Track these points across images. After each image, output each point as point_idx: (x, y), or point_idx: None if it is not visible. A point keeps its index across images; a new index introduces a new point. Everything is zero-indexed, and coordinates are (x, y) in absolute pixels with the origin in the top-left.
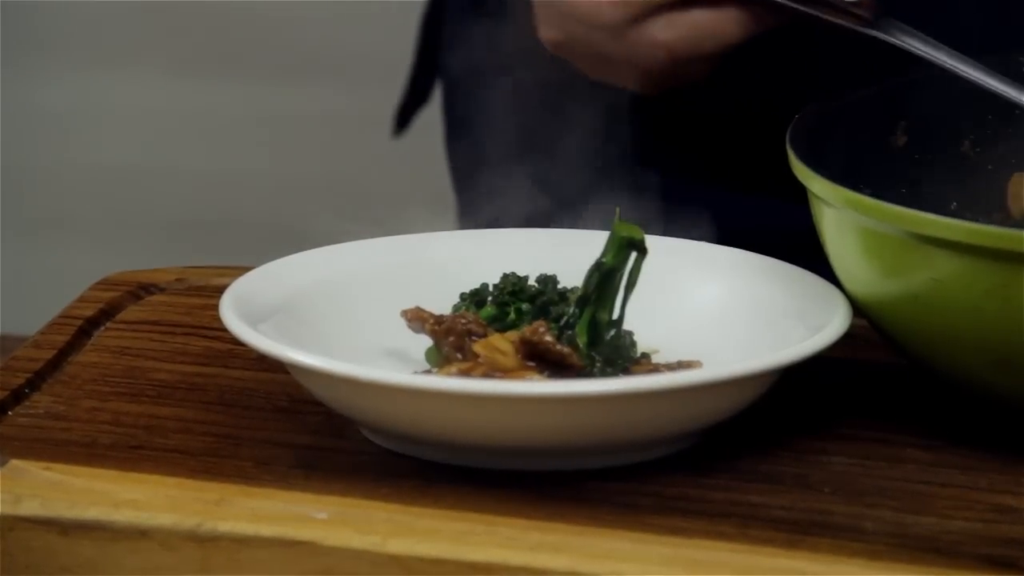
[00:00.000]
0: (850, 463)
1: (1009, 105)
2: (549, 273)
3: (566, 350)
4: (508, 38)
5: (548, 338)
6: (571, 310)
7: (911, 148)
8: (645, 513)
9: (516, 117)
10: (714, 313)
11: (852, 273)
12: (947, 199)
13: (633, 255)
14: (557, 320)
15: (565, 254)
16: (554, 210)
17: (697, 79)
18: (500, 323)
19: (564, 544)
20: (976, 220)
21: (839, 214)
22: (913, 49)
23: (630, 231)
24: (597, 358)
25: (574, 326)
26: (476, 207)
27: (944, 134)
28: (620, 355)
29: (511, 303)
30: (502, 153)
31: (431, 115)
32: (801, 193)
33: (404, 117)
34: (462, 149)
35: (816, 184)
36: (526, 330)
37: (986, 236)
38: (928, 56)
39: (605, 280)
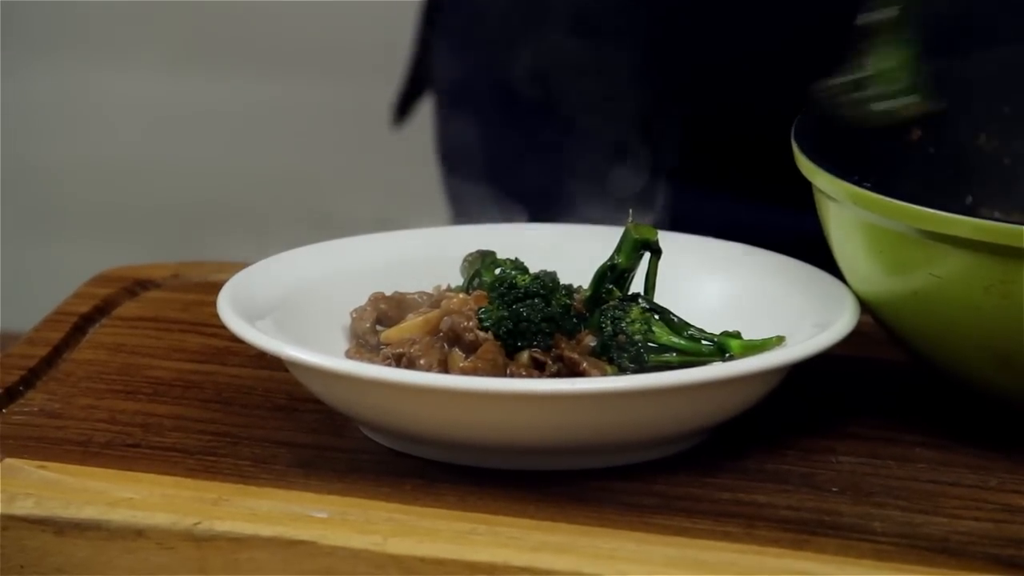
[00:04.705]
0: (858, 462)
1: None
2: (549, 269)
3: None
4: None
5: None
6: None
7: (925, 142)
8: (650, 513)
9: (514, 124)
10: (720, 309)
11: (855, 269)
12: (961, 194)
13: (646, 256)
14: (566, 326)
15: (564, 249)
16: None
17: None
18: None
19: (567, 544)
20: (992, 216)
21: (842, 209)
22: None
23: (644, 233)
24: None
25: (579, 328)
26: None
27: (959, 127)
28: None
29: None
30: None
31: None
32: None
33: (403, 108)
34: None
35: (819, 178)
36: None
37: (985, 231)
38: None
39: (618, 282)
